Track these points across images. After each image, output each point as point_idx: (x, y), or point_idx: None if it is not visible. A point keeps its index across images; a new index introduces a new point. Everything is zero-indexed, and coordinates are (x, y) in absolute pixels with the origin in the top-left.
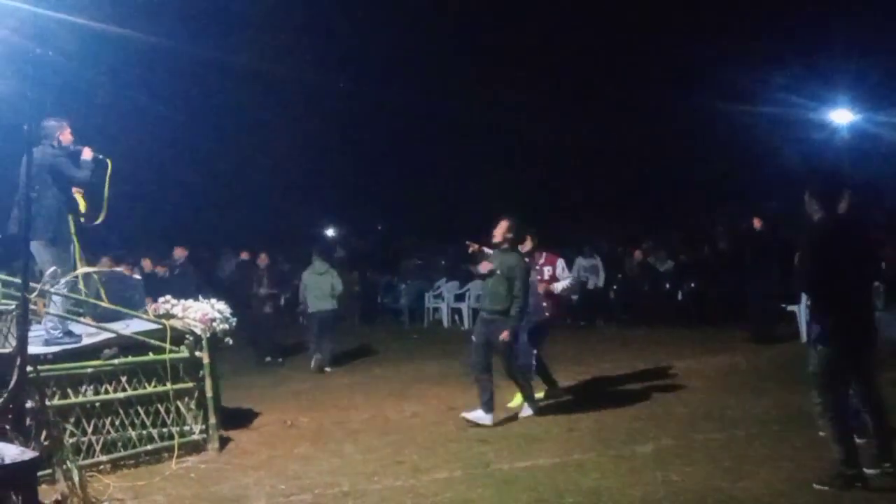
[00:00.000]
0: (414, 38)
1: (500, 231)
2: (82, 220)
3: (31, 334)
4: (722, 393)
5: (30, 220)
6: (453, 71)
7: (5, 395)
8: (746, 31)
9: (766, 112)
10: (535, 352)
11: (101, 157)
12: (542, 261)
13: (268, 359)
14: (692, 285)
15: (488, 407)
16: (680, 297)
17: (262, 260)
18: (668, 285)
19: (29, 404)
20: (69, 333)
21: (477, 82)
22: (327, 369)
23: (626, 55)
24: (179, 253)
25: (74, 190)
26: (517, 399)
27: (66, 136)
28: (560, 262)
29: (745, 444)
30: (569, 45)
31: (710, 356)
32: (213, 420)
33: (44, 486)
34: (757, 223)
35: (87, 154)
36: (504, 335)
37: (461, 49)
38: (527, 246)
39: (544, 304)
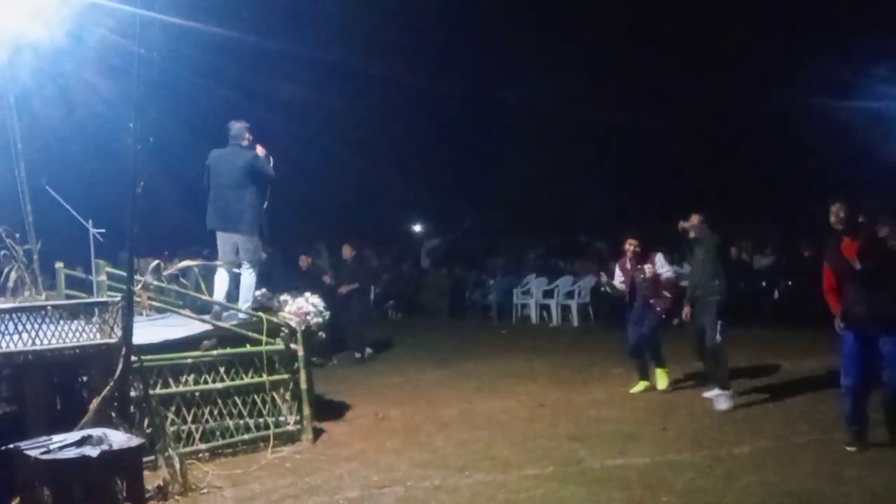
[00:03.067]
0: (512, 36)
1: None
2: None
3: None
4: (820, 395)
5: (136, 215)
6: (547, 69)
7: (111, 383)
8: (843, 21)
9: (865, 107)
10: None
11: (267, 153)
12: (644, 260)
13: (357, 355)
14: (789, 283)
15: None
16: (776, 295)
17: (347, 252)
18: (764, 283)
19: (133, 393)
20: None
21: (570, 79)
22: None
23: (717, 47)
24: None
25: None
26: (640, 386)
27: (249, 137)
28: (659, 258)
29: (845, 448)
30: (659, 38)
31: (807, 357)
32: (306, 411)
33: (146, 472)
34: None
35: (261, 151)
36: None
37: (554, 46)
38: (631, 249)
39: (651, 300)
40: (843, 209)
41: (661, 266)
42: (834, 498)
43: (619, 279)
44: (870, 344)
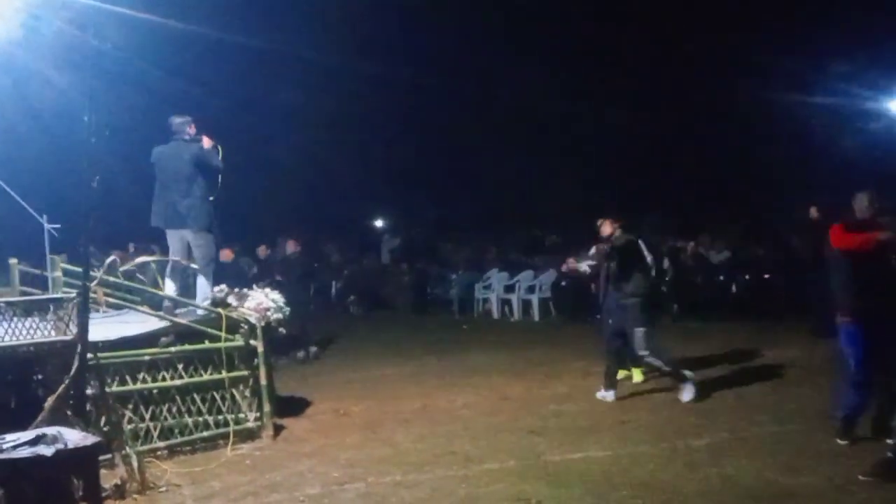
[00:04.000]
0: (469, 25)
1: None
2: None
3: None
4: (778, 386)
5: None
6: (508, 59)
7: (67, 381)
8: (803, 19)
9: (824, 102)
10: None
11: (214, 143)
12: None
13: (300, 354)
14: (746, 277)
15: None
16: (734, 289)
17: (292, 247)
18: (721, 277)
19: (89, 390)
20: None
21: (532, 71)
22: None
23: (681, 45)
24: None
25: None
26: (621, 374)
27: (192, 130)
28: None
29: (803, 439)
30: (624, 35)
31: (765, 349)
32: (267, 408)
33: (103, 471)
34: (814, 212)
35: (207, 143)
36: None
37: (518, 37)
38: (607, 231)
39: None
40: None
41: (584, 258)
42: (792, 488)
43: (589, 261)
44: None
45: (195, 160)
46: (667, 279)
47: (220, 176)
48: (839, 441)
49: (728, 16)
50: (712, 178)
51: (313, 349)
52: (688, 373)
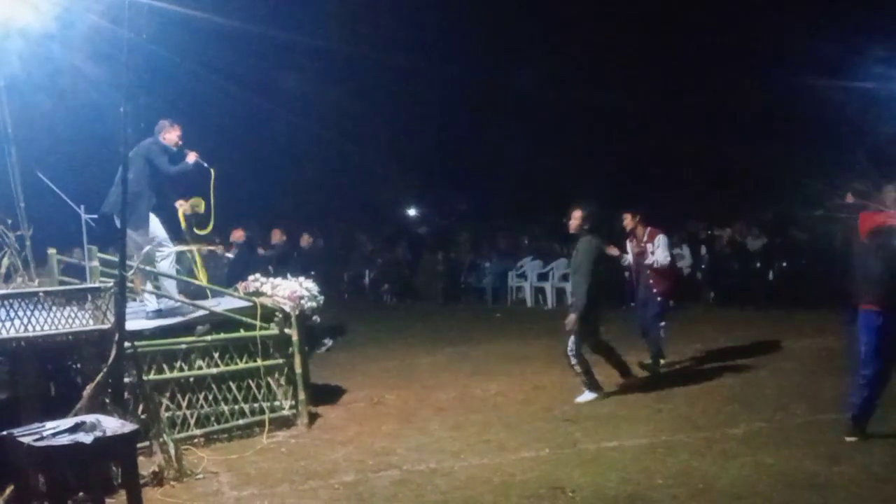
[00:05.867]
0: (500, 15)
1: (575, 221)
2: (196, 230)
3: (129, 310)
4: (815, 375)
5: (125, 202)
6: (536, 49)
7: (105, 370)
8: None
9: (859, 87)
10: (661, 324)
11: (205, 165)
12: (644, 238)
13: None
14: (783, 265)
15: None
16: (771, 276)
17: (277, 237)
18: (758, 265)
19: (127, 379)
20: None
21: (560, 60)
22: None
23: (709, 28)
24: (238, 236)
25: (181, 203)
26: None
27: (170, 136)
28: (659, 239)
29: (840, 428)
30: (653, 21)
31: (802, 337)
32: (302, 396)
33: (141, 458)
34: (850, 198)
35: (190, 158)
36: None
37: (548, 25)
38: (628, 224)
39: (650, 280)
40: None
41: (657, 247)
42: (829, 478)
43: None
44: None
45: (144, 155)
46: (702, 267)
47: (164, 180)
48: (847, 438)
49: None
50: (745, 163)
51: (328, 342)
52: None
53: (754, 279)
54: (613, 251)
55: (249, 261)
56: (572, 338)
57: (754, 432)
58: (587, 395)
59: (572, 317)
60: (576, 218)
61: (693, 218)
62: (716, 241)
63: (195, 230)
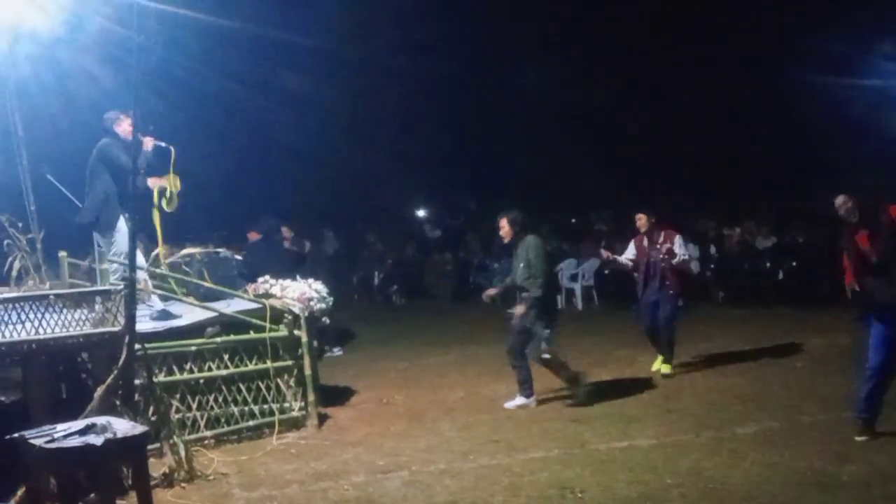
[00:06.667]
0: (505, 16)
1: (504, 229)
2: (166, 207)
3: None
4: (826, 374)
5: (136, 202)
6: (544, 49)
7: (115, 372)
8: None
9: (868, 84)
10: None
11: (163, 145)
12: (661, 238)
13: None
14: (793, 264)
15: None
16: (781, 275)
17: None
18: (768, 264)
19: (137, 381)
20: (166, 313)
21: (569, 60)
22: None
23: (718, 25)
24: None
25: (153, 180)
26: (658, 362)
27: (122, 128)
28: (678, 239)
29: (851, 427)
30: (662, 21)
31: (813, 336)
32: (311, 397)
33: (152, 460)
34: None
35: (147, 145)
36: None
37: (558, 26)
38: (643, 225)
39: (667, 281)
40: (849, 200)
41: (678, 247)
42: (841, 477)
43: (628, 255)
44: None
45: (99, 155)
46: (712, 266)
47: (133, 176)
48: (857, 438)
49: None
50: (755, 162)
51: (337, 351)
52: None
53: (764, 278)
54: (605, 254)
55: (271, 257)
56: (537, 342)
57: (764, 432)
58: (517, 401)
59: (521, 307)
60: (504, 226)
61: (702, 217)
62: (725, 240)
63: (164, 207)
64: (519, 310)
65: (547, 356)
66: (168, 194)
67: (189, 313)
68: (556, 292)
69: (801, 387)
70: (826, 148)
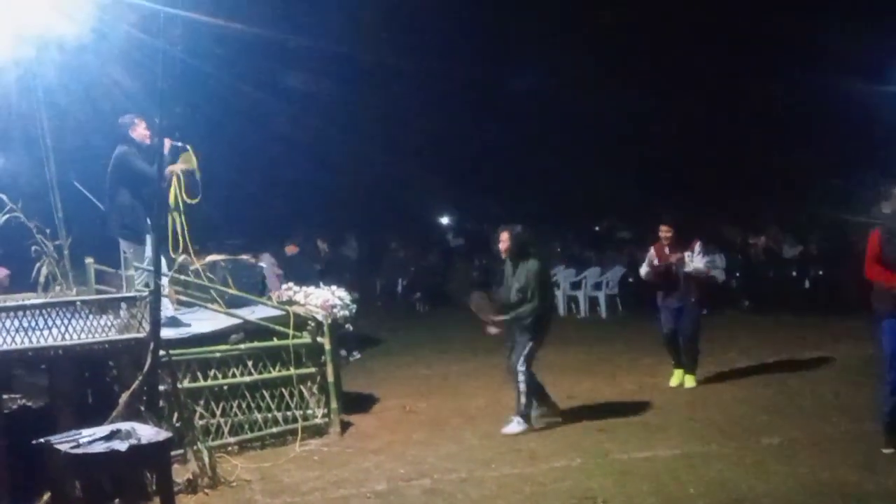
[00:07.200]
0: (529, 28)
1: (504, 244)
2: (188, 199)
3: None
4: (852, 384)
5: (161, 210)
6: (569, 54)
7: (140, 378)
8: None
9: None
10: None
11: (179, 144)
12: (680, 246)
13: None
14: (820, 272)
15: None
16: (807, 284)
17: (291, 250)
18: (794, 272)
19: (162, 387)
20: (175, 320)
21: (594, 65)
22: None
23: (740, 30)
24: (291, 250)
25: (171, 167)
26: (676, 375)
27: (138, 133)
28: (697, 246)
29: (878, 438)
30: (684, 25)
31: (839, 345)
32: (334, 404)
33: (176, 466)
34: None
35: (164, 147)
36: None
37: (575, 38)
38: (666, 235)
39: (689, 290)
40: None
41: (696, 254)
42: (867, 487)
43: (648, 265)
44: None
45: (116, 163)
46: (737, 274)
47: (145, 183)
48: (883, 450)
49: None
50: (778, 167)
51: (357, 354)
52: (534, 413)
53: (790, 286)
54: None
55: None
56: (520, 357)
57: (789, 442)
58: (515, 425)
59: (500, 317)
60: (504, 240)
61: (727, 224)
62: (750, 248)
63: (187, 199)
64: (499, 318)
65: (523, 369)
66: (185, 182)
67: (211, 320)
68: (551, 313)
69: (827, 397)
70: (853, 153)
